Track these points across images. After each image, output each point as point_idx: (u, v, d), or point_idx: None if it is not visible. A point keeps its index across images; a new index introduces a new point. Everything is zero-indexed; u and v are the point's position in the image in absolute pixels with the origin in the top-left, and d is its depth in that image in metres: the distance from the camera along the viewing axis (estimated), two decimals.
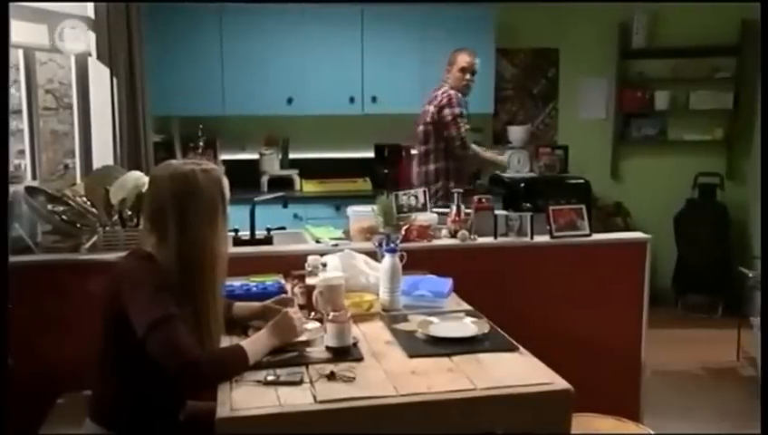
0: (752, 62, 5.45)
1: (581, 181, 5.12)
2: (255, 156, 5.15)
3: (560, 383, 1.80)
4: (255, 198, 3.38)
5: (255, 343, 1.93)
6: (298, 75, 4.99)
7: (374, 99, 5.09)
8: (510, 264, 3.11)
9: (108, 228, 2.94)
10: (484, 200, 3.30)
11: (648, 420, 2.97)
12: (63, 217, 3.03)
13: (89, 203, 3.06)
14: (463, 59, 4.35)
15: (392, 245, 2.45)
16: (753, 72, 5.41)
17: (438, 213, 3.32)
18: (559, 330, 3.01)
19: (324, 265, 2.52)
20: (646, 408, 3.21)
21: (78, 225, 3.03)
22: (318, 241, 3.08)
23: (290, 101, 4.98)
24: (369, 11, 5.03)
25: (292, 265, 2.75)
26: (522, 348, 2.05)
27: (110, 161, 3.92)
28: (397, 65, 5.10)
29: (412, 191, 3.12)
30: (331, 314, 1.99)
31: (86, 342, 2.84)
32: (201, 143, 4.98)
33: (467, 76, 4.34)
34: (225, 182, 2.02)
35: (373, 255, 2.77)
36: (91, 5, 3.87)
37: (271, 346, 1.95)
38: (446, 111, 4.26)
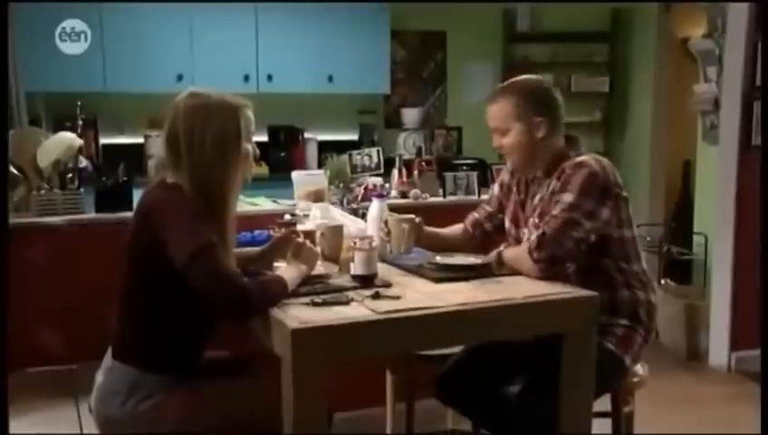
0: (622, 48, 6.18)
1: (478, 161, 5.52)
2: (139, 139, 5.04)
3: (585, 292, 2.07)
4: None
5: (289, 273, 2.01)
6: (188, 51, 4.98)
7: (269, 77, 5.18)
8: (459, 218, 3.37)
9: (43, 192, 2.85)
10: (424, 163, 3.58)
11: None
12: None
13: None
14: None
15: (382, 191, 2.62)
16: (624, 57, 6.16)
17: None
18: None
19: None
20: None
21: None
22: (275, 201, 3.17)
23: (180, 78, 4.95)
24: None
25: (255, 225, 2.92)
26: None
27: None
28: (293, 44, 5.22)
29: (366, 150, 3.30)
30: (358, 242, 2.13)
31: (22, 313, 2.76)
32: (80, 122, 4.80)
33: None
34: (246, 115, 2.08)
35: None
36: None
37: (302, 275, 2.04)
38: None
